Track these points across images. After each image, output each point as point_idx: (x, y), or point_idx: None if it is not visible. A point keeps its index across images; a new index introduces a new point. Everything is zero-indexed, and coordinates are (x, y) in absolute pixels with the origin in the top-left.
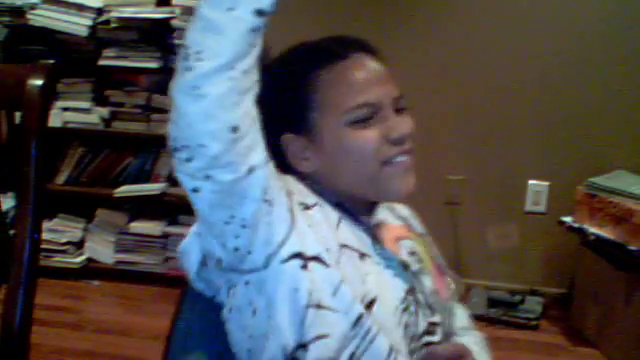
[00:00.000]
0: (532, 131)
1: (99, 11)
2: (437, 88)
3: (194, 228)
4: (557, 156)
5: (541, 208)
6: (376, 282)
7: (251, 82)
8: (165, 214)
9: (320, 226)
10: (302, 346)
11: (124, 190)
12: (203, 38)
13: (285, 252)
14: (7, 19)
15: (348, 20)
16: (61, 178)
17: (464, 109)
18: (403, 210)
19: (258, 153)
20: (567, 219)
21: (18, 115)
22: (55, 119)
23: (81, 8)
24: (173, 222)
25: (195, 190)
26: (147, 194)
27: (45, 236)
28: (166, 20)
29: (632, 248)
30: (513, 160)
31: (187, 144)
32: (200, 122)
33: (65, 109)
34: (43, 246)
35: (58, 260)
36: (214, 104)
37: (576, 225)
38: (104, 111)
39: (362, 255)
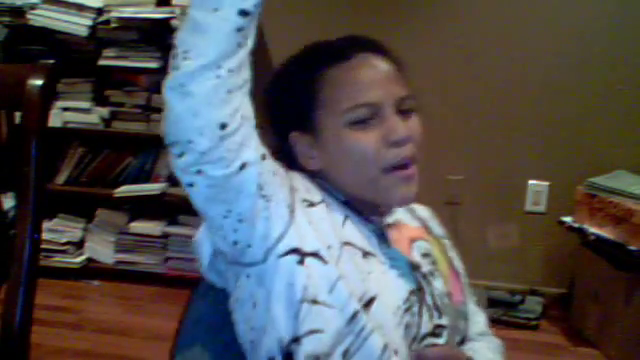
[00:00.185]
0: (532, 131)
1: (99, 11)
2: (437, 88)
3: None
4: (557, 156)
5: (541, 208)
6: (377, 281)
7: (241, 80)
8: (165, 214)
9: (322, 223)
10: (296, 340)
11: (124, 190)
12: (190, 38)
13: (282, 247)
14: (7, 19)
15: (346, 20)
16: (61, 178)
17: (464, 109)
18: (423, 211)
19: (251, 149)
20: (567, 219)
21: (18, 115)
22: (55, 119)
23: (81, 8)
24: (173, 222)
25: (190, 185)
26: (147, 194)
27: (45, 236)
28: (166, 20)
29: (632, 248)
30: (513, 160)
31: (177, 140)
32: (188, 119)
33: (65, 109)
34: (43, 246)
35: (58, 260)
36: (201, 101)
37: (576, 225)
38: (104, 111)
39: (365, 254)
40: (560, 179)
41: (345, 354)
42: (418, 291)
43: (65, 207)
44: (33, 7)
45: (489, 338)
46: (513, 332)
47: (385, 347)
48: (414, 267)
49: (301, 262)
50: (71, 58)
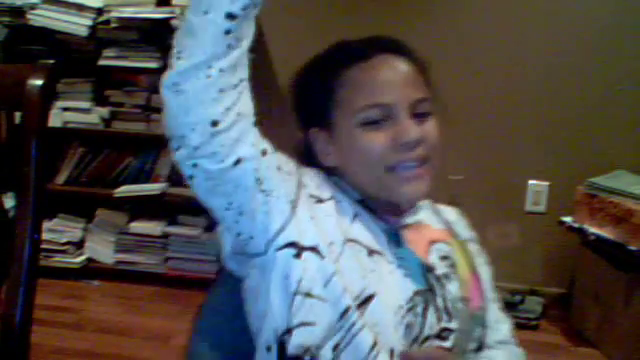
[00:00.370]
0: (532, 131)
1: (99, 11)
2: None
3: None
4: (557, 156)
5: (541, 208)
6: (380, 279)
7: (235, 80)
8: (165, 214)
9: (327, 220)
10: (288, 331)
11: (124, 190)
12: (183, 39)
13: (281, 240)
14: (7, 19)
15: (346, 20)
16: (61, 178)
17: (464, 109)
18: (450, 214)
19: (247, 145)
20: (567, 219)
21: (18, 115)
22: (55, 119)
23: (81, 8)
24: (173, 222)
25: (190, 177)
26: (147, 194)
27: (45, 236)
28: (166, 20)
29: (632, 248)
30: (513, 160)
31: (173, 134)
32: (181, 115)
33: (65, 109)
34: (43, 246)
35: (58, 260)
36: (192, 99)
37: (576, 225)
38: (104, 111)
39: (371, 252)
40: (560, 179)
41: (335, 348)
42: (429, 292)
43: (65, 207)
44: (33, 7)
45: (510, 347)
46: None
47: (374, 345)
48: (428, 269)
49: (298, 255)
50: (71, 58)
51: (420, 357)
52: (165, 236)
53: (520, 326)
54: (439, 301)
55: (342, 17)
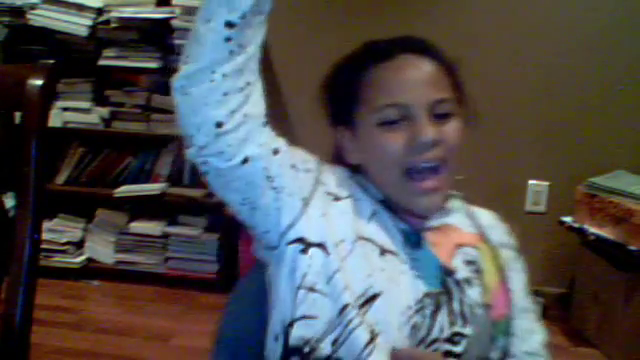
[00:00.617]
0: (532, 131)
1: (99, 11)
2: None
3: None
4: (557, 156)
5: (541, 208)
6: (389, 279)
7: (241, 83)
8: (165, 214)
9: (341, 217)
10: (291, 323)
11: (124, 190)
12: (190, 45)
13: (291, 235)
14: (7, 19)
15: (345, 20)
16: (61, 178)
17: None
18: (485, 218)
19: (254, 145)
20: (567, 219)
21: (18, 115)
22: (55, 119)
23: (81, 8)
24: (173, 222)
25: (204, 173)
26: (147, 194)
27: (45, 236)
28: (166, 20)
29: (632, 248)
30: (513, 160)
31: (184, 132)
32: (188, 116)
33: (65, 109)
34: (43, 246)
35: (58, 260)
36: (198, 102)
37: (576, 225)
38: (104, 111)
39: (384, 251)
40: (560, 179)
41: (334, 343)
42: (443, 295)
43: (65, 207)
44: (33, 7)
45: None
46: None
47: (369, 342)
48: (447, 272)
49: (305, 251)
50: (71, 58)
51: (404, 356)
52: (165, 236)
53: None
54: (455, 305)
55: (342, 18)
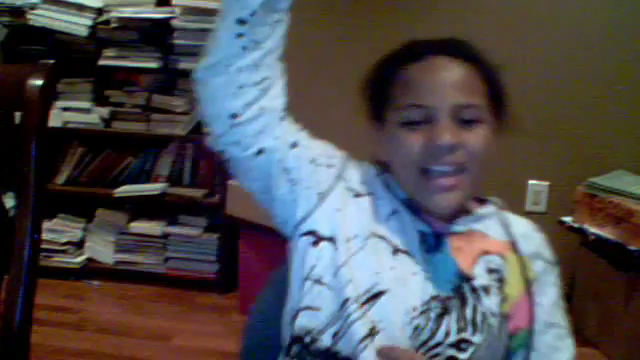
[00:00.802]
0: (532, 131)
1: (99, 11)
2: None
3: None
4: (557, 156)
5: (541, 208)
6: (397, 278)
7: (257, 78)
8: (165, 214)
9: (357, 214)
10: (296, 313)
11: (124, 190)
12: (211, 40)
13: (304, 227)
14: (7, 19)
15: (346, 21)
16: (61, 178)
17: None
18: (520, 227)
19: (270, 138)
20: (567, 219)
21: (18, 115)
22: (55, 119)
23: (81, 8)
24: (173, 222)
25: (227, 161)
26: (147, 194)
27: (45, 236)
28: (166, 20)
29: (632, 248)
30: (513, 160)
31: (204, 121)
32: (207, 105)
33: (65, 109)
34: (43, 246)
35: (58, 260)
36: (214, 93)
37: (576, 225)
38: (104, 111)
39: (396, 250)
40: (560, 179)
41: (335, 335)
42: (454, 300)
43: (65, 207)
44: (33, 7)
45: None
46: None
47: (365, 337)
48: (464, 278)
49: (315, 244)
50: (71, 58)
51: (384, 354)
52: (165, 236)
53: None
54: (468, 312)
55: (342, 18)
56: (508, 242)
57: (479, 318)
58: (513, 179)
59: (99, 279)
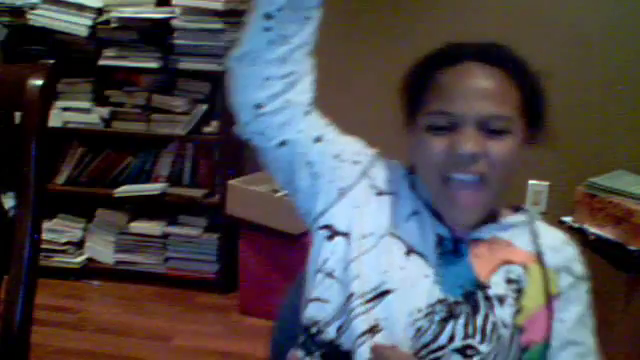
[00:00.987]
0: None
1: (99, 11)
2: None
3: None
4: (557, 156)
5: (541, 208)
6: (405, 278)
7: (284, 72)
8: (165, 214)
9: (376, 212)
10: (306, 303)
11: (124, 190)
12: (242, 32)
13: (322, 221)
14: (7, 19)
15: (346, 20)
16: (61, 178)
17: None
18: (550, 239)
19: (294, 131)
20: (567, 219)
21: (18, 115)
22: (55, 119)
23: (81, 8)
24: (173, 222)
25: (255, 149)
26: (147, 194)
27: (45, 236)
28: (166, 20)
29: (632, 248)
30: None
31: (232, 108)
32: (235, 94)
33: (65, 109)
34: (43, 246)
35: (58, 260)
36: (242, 82)
37: (576, 225)
38: (104, 111)
39: (410, 251)
40: (560, 179)
41: (339, 329)
42: (466, 306)
43: (65, 207)
44: (33, 7)
45: None
46: None
47: (364, 333)
48: (479, 285)
49: (330, 238)
50: (71, 58)
51: (376, 351)
52: (165, 236)
53: None
54: (478, 319)
55: (343, 17)
56: (534, 253)
57: (489, 327)
58: (513, 179)
59: (99, 279)
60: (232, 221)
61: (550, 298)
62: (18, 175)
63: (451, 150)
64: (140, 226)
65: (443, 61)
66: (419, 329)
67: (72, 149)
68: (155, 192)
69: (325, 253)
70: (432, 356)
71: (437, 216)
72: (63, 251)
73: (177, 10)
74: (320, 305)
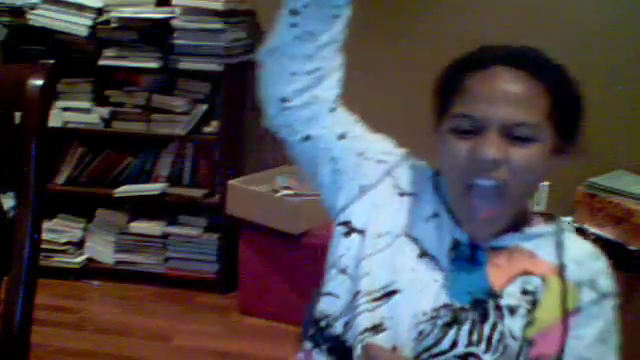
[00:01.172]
0: None
1: (99, 11)
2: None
3: None
4: None
5: (541, 208)
6: (414, 280)
7: (309, 67)
8: (165, 214)
9: (395, 212)
10: (319, 296)
11: (124, 190)
12: (273, 25)
13: (342, 217)
14: (7, 19)
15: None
16: (61, 178)
17: None
18: (576, 252)
19: (318, 126)
20: (567, 219)
21: (18, 115)
22: (55, 119)
23: (81, 8)
24: (173, 222)
25: (282, 142)
26: (147, 194)
27: (45, 236)
28: (166, 20)
29: (632, 248)
30: None
31: (260, 100)
32: (263, 87)
33: (65, 109)
34: (43, 246)
35: (58, 260)
36: (269, 76)
37: (576, 225)
38: (104, 111)
39: (424, 254)
40: (560, 179)
41: (346, 325)
42: (473, 314)
43: (65, 207)
44: (33, 7)
45: None
46: None
47: (366, 330)
48: (492, 294)
49: (347, 234)
50: (71, 58)
51: (367, 350)
52: (165, 236)
53: None
54: (486, 328)
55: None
56: (556, 265)
57: (496, 337)
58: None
59: (99, 279)
60: (232, 221)
61: (566, 313)
62: (18, 175)
63: (473, 154)
64: (140, 226)
65: (473, 64)
66: (421, 332)
67: (72, 149)
68: (155, 192)
69: (341, 249)
70: (429, 358)
71: (457, 221)
72: (63, 251)
73: (177, 10)
74: (331, 300)
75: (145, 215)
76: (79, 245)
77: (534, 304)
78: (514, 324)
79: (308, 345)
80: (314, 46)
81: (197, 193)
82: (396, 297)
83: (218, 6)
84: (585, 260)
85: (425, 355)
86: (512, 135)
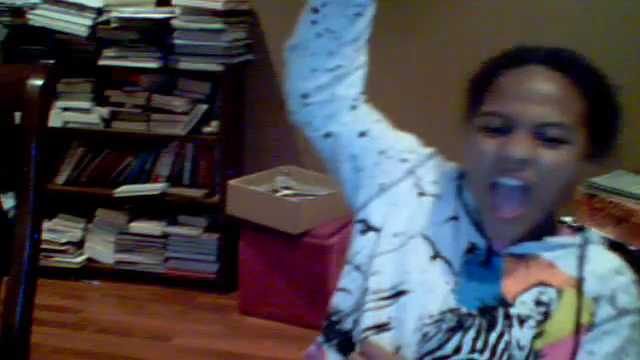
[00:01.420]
0: None
1: (99, 11)
2: (436, 88)
3: None
4: None
5: (571, 219)
6: (424, 282)
7: (330, 65)
8: (165, 214)
9: (413, 212)
10: (335, 291)
11: (124, 190)
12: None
13: (361, 214)
14: (7, 19)
15: None
16: (61, 178)
17: None
18: (598, 266)
19: (338, 124)
20: (567, 219)
21: (18, 115)
22: (55, 119)
23: (81, 8)
24: (173, 222)
25: (305, 137)
26: (147, 194)
27: (45, 236)
28: (166, 20)
29: (632, 248)
30: None
31: (285, 95)
32: (286, 82)
33: (65, 109)
34: (43, 246)
35: (58, 260)
36: (291, 71)
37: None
38: (104, 111)
39: (437, 256)
40: None
41: (355, 322)
42: (480, 320)
43: (65, 207)
44: (33, 7)
45: None
46: None
47: (369, 328)
48: (503, 302)
49: (364, 232)
50: (71, 58)
51: (364, 350)
52: (165, 236)
53: None
54: (492, 336)
55: None
56: (575, 278)
57: (501, 346)
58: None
59: (99, 279)
60: (232, 221)
61: (579, 327)
62: (18, 175)
63: (500, 152)
64: (140, 226)
65: (508, 63)
66: (425, 335)
67: (72, 149)
68: (155, 192)
69: (357, 246)
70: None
71: (476, 225)
72: (63, 251)
73: (177, 10)
74: (345, 296)
75: (145, 215)
76: (79, 245)
77: (546, 316)
78: (522, 334)
79: (320, 339)
80: (335, 44)
81: (197, 193)
82: (404, 298)
83: (218, 6)
84: (607, 274)
85: (428, 358)
86: (542, 136)
